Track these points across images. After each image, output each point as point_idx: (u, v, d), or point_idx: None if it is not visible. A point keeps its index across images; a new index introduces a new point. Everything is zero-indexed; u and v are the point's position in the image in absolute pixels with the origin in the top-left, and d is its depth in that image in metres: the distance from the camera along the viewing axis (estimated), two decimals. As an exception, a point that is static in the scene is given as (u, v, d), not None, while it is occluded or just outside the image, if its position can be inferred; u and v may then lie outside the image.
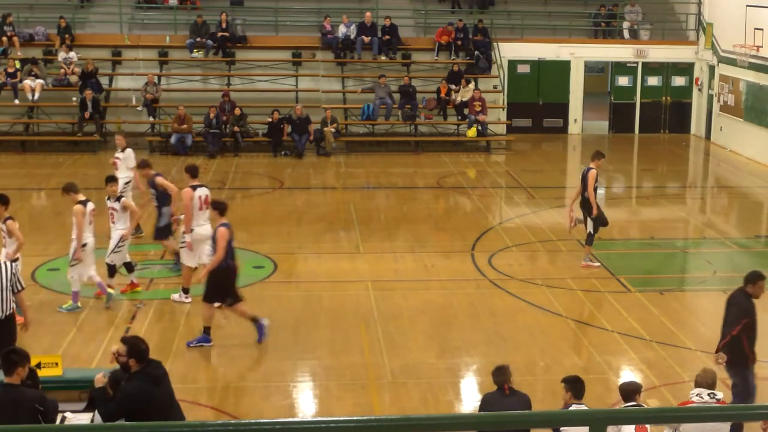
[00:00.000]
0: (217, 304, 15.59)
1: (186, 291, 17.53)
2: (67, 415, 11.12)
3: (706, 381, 11.17)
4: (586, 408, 10.73)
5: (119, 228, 17.44)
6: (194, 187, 17.29)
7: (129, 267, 17.94)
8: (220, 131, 30.37)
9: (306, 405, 14.06)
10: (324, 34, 33.43)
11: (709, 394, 10.85)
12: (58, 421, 10.69)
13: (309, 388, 14.57)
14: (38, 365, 11.27)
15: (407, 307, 17.40)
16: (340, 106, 32.53)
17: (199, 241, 17.10)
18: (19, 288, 13.42)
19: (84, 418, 11.04)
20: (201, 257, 17.12)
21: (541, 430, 11.24)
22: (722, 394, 11.29)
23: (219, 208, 15.71)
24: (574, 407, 10.96)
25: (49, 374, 11.31)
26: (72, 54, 31.86)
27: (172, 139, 30.31)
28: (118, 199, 17.52)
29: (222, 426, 5.87)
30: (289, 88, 32.88)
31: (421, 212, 24.18)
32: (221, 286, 15.46)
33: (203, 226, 17.13)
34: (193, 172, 17.57)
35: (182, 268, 17.61)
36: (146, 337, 15.39)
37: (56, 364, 11.63)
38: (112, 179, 17.91)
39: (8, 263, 13.48)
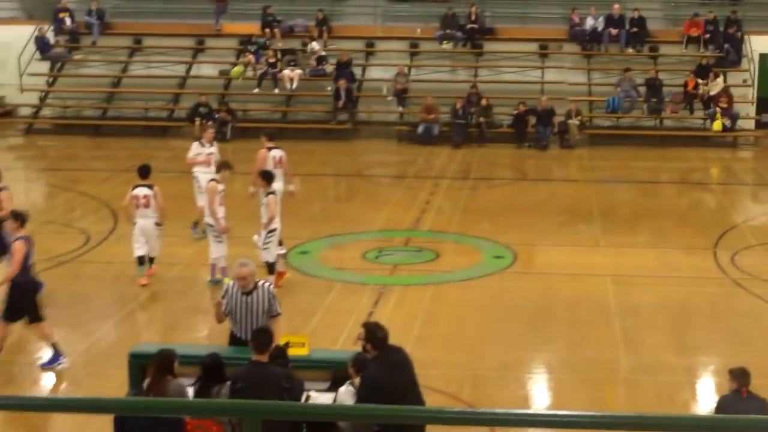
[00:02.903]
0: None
1: None
2: (312, 394, 11.54)
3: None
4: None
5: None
6: None
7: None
8: (466, 122, 30.83)
9: (540, 397, 14.25)
10: (571, 26, 33.40)
11: None
12: (303, 400, 11.14)
13: (544, 380, 14.76)
14: (287, 344, 11.61)
15: (646, 303, 17.30)
16: (585, 98, 32.44)
17: None
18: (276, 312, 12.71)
19: (327, 398, 11.40)
20: None
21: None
22: None
23: (20, 219, 14.72)
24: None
25: (296, 353, 11.57)
26: (314, 44, 32.97)
27: (419, 129, 30.99)
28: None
29: (458, 414, 6.02)
30: (535, 79, 33.01)
31: (663, 207, 23.92)
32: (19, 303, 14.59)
33: None
34: None
35: None
36: (388, 322, 16.00)
37: (303, 344, 11.87)
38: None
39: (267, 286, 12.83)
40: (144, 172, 17.91)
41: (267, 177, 17.36)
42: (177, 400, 9.31)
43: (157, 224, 17.83)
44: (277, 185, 18.19)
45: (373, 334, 10.77)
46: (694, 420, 7.47)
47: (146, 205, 17.66)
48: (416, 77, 33.37)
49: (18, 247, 14.32)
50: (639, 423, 5.76)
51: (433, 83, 33.14)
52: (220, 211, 17.48)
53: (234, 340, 12.73)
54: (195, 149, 20.14)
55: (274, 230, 17.19)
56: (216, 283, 17.29)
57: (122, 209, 18.66)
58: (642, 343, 15.67)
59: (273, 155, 18.97)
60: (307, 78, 32.77)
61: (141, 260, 17.86)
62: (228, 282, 13.18)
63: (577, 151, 30.27)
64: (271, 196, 17.13)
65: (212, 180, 17.63)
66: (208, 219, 17.58)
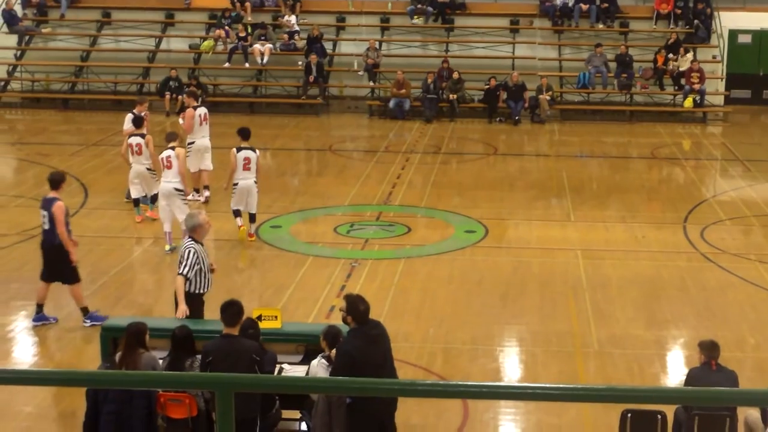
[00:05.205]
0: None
1: None
2: (285, 366, 11.64)
3: None
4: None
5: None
6: None
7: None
8: (437, 96, 30.84)
9: (512, 369, 14.36)
10: (542, 1, 33.41)
11: None
12: (275, 373, 11.24)
13: (515, 353, 14.84)
14: (259, 317, 11.71)
15: (616, 277, 17.44)
16: (556, 74, 32.50)
17: None
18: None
19: (300, 370, 11.53)
20: None
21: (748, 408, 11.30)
22: None
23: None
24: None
25: (268, 326, 11.71)
26: (292, 18, 32.90)
27: (391, 104, 30.97)
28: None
29: (430, 386, 6.02)
30: (505, 55, 33.04)
31: (634, 182, 24.03)
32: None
33: None
34: None
35: None
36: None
37: (275, 317, 11.98)
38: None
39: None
40: (138, 122, 19.73)
41: (243, 133, 18.70)
42: (149, 373, 9.32)
43: (149, 169, 19.45)
44: (203, 141, 20.86)
45: (355, 306, 10.82)
46: (665, 392, 7.55)
47: (139, 153, 19.35)
48: (387, 52, 33.33)
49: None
50: (610, 395, 5.79)
51: (404, 58, 33.11)
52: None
53: (194, 297, 12.94)
54: (129, 121, 20.49)
55: (236, 184, 18.44)
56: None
57: (121, 155, 20.35)
58: (612, 317, 15.79)
59: (199, 113, 20.83)
60: (278, 52, 32.67)
61: (136, 202, 19.80)
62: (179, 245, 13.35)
63: (547, 126, 30.34)
64: (233, 151, 18.41)
65: (180, 147, 18.61)
66: (179, 185, 17.98)
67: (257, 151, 18.62)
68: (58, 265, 14.95)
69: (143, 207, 19.97)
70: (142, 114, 20.27)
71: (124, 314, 14.87)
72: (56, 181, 15.10)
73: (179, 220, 17.46)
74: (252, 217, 18.75)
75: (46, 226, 14.83)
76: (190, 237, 13.12)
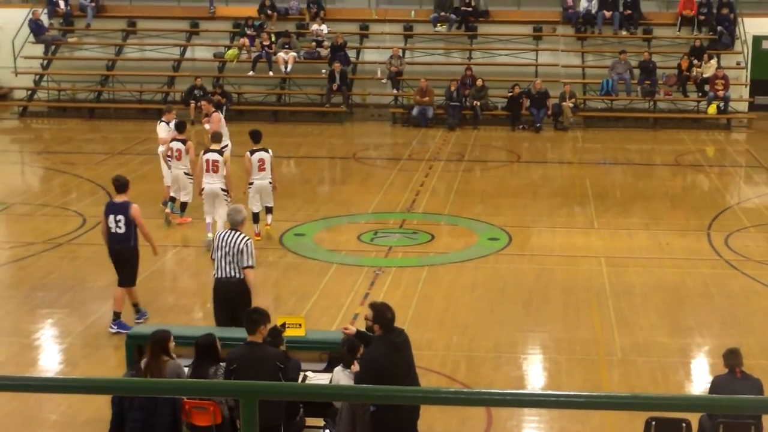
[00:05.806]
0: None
1: None
2: (309, 374, 11.68)
3: None
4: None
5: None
6: None
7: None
8: (460, 104, 30.88)
9: (535, 377, 14.37)
10: (565, 8, 33.43)
11: None
12: (299, 380, 11.30)
13: (539, 360, 14.85)
14: (283, 325, 11.73)
15: (640, 285, 17.41)
16: (579, 81, 32.48)
17: None
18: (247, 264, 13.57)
19: (324, 378, 11.57)
20: None
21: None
22: None
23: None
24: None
25: (292, 334, 11.73)
26: (323, 27, 33.08)
27: (414, 111, 31.02)
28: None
29: (454, 394, 6.06)
30: (528, 62, 33.05)
31: (658, 189, 23.99)
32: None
33: None
34: None
35: None
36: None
37: (299, 325, 12.00)
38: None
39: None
40: (180, 127, 20.06)
41: (255, 136, 19.15)
42: (174, 381, 9.37)
43: (186, 174, 19.79)
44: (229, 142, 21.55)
45: (383, 314, 10.88)
46: (689, 400, 7.54)
47: (179, 158, 19.79)
48: (411, 60, 33.40)
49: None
50: (634, 403, 5.79)
51: (427, 66, 33.19)
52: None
53: None
54: (165, 129, 20.91)
55: (251, 183, 19.00)
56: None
57: (163, 156, 20.75)
58: (636, 324, 15.76)
59: (221, 117, 22.20)
60: (302, 61, 32.79)
61: (172, 199, 20.32)
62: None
63: (571, 133, 30.32)
64: (247, 154, 19.01)
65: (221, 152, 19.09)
66: (224, 185, 18.47)
67: (270, 151, 19.12)
68: (123, 267, 15.20)
69: (173, 215, 20.25)
70: (175, 121, 20.53)
71: (149, 321, 14.97)
72: (123, 184, 15.38)
73: (219, 216, 18.19)
74: (269, 210, 19.34)
75: (121, 230, 15.05)
76: (236, 230, 13.56)
